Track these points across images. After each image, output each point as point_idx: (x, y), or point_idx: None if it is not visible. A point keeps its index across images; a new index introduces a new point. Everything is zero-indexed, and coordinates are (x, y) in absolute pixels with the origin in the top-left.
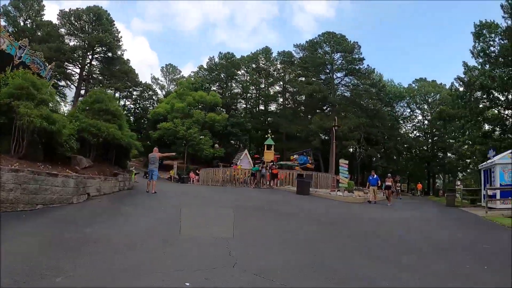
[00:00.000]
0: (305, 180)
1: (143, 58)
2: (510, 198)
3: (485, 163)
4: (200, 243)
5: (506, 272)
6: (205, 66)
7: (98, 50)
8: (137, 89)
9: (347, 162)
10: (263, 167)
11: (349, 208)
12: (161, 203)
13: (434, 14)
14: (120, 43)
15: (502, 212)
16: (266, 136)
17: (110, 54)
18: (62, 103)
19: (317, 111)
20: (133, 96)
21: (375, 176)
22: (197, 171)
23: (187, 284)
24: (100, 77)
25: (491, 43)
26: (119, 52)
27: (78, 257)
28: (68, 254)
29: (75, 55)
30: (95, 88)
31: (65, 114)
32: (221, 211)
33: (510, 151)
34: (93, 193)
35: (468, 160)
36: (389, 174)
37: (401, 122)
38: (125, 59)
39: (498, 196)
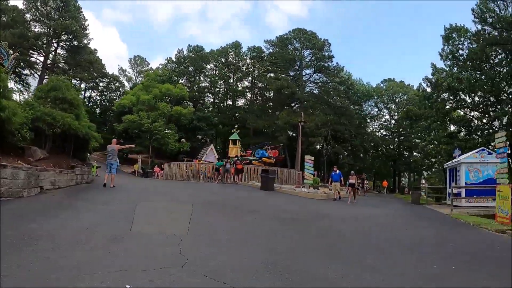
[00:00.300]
0: (269, 176)
1: (112, 49)
2: (475, 196)
3: (450, 162)
4: (151, 241)
5: (474, 272)
6: (173, 59)
7: (63, 38)
8: (104, 80)
9: (312, 158)
10: (227, 162)
11: (313, 205)
12: (117, 198)
13: (405, 16)
14: (87, 32)
15: (467, 210)
16: (233, 131)
17: (76, 43)
18: (26, 92)
19: (285, 107)
20: (99, 88)
21: (338, 171)
22: (162, 166)
23: (128, 286)
24: (66, 67)
25: (460, 46)
26: (85, 41)
27: (16, 255)
28: (7, 252)
29: (40, 42)
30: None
31: (21, 102)
32: (179, 207)
33: (475, 150)
34: (47, 186)
35: (433, 159)
36: (353, 172)
37: (369, 120)
38: (92, 48)
39: (463, 195)
